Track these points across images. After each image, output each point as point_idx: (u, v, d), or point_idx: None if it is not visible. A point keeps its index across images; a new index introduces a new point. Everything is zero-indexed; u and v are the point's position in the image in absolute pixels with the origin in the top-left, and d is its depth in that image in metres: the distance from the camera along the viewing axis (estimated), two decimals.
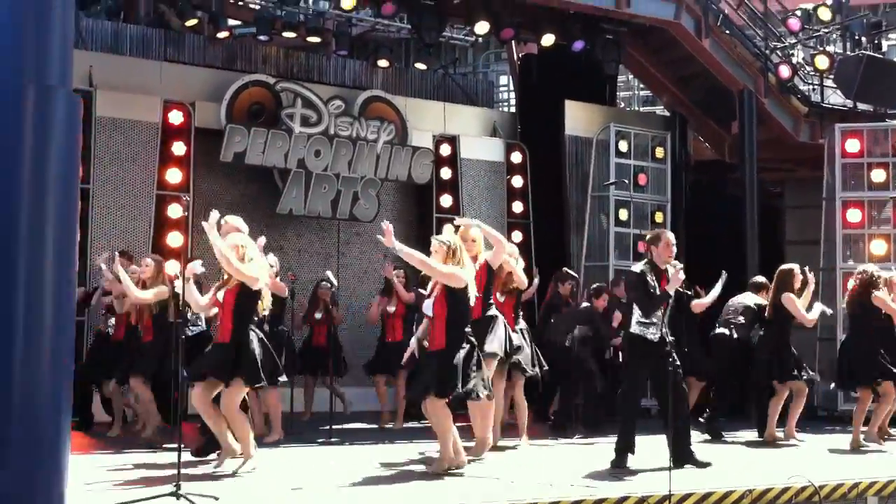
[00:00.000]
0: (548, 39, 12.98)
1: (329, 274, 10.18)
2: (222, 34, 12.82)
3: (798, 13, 13.66)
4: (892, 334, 9.41)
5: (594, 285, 10.90)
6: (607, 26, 12.83)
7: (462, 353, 6.84)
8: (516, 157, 13.53)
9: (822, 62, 13.32)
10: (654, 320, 7.39)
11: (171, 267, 8.97)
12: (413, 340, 8.21)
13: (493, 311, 7.91)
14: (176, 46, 12.99)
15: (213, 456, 7.32)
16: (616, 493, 6.22)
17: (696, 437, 8.55)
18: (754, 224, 12.74)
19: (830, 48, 13.96)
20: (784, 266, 9.55)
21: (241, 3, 14.44)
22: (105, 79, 11.30)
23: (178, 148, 11.37)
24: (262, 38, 12.91)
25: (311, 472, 7.14)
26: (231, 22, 13.05)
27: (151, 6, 13.46)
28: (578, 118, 13.57)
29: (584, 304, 10.61)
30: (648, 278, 7.39)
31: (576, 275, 11.14)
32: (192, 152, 11.46)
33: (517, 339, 8.23)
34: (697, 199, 13.86)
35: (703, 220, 13.62)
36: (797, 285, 9.33)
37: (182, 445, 6.24)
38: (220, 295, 7.07)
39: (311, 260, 12.49)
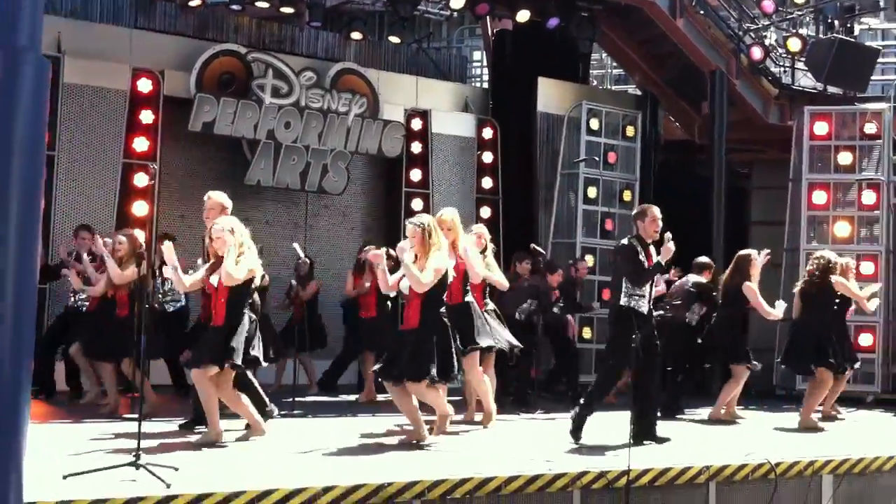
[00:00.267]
0: (522, 15, 12.94)
1: (296, 246, 10.16)
2: (194, 2, 12.63)
3: None
4: (843, 320, 9.55)
5: (547, 260, 10.98)
6: (582, 4, 12.81)
7: (437, 336, 7.01)
8: (487, 133, 13.52)
9: (794, 44, 13.39)
10: (643, 293, 7.49)
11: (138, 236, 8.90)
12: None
13: (469, 297, 7.99)
14: (146, 14, 12.84)
15: (202, 428, 7.35)
16: (575, 468, 6.28)
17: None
18: (721, 204, 12.85)
19: (803, 31, 14.01)
20: (742, 252, 9.61)
21: None
22: (73, 45, 11.16)
23: (146, 116, 11.26)
24: (234, 7, 12.80)
25: (272, 444, 7.16)
26: None
27: None
28: (550, 95, 13.58)
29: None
30: (640, 251, 7.46)
31: (542, 251, 11.16)
32: (161, 121, 11.36)
33: (493, 322, 8.38)
34: (666, 178, 13.92)
35: (670, 200, 13.49)
36: (755, 272, 9.41)
37: (143, 416, 6.22)
38: (214, 279, 7.09)
39: (279, 232, 12.45)
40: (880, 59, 13.93)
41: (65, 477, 5.44)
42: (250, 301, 7.21)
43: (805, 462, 7.07)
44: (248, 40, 12.94)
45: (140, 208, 11.06)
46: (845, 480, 7.17)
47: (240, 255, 6.99)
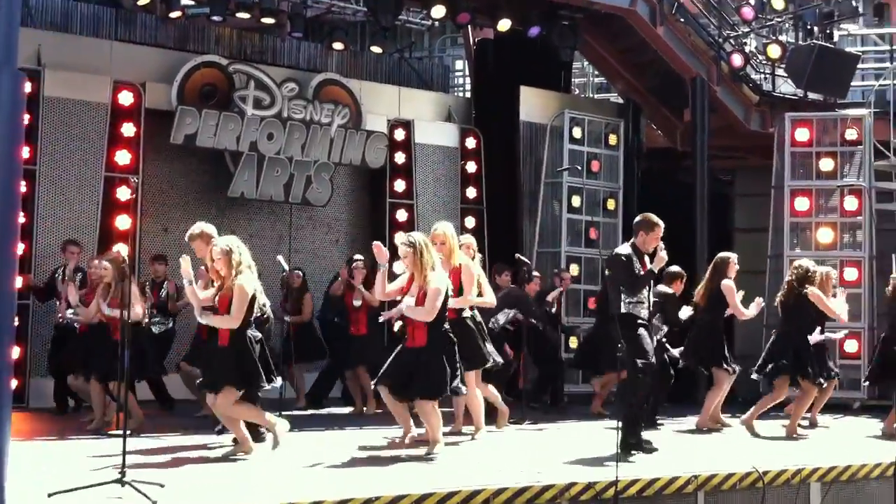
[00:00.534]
0: (504, 25, 12.96)
1: (280, 258, 10.12)
2: (175, 14, 12.61)
3: (752, 2, 13.76)
4: (822, 325, 9.57)
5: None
6: (563, 13, 12.84)
7: (445, 353, 7.16)
8: (471, 143, 13.52)
9: (774, 51, 13.45)
10: (642, 299, 7.54)
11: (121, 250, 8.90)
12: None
13: (465, 312, 8.02)
14: (127, 26, 12.80)
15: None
16: (563, 480, 6.27)
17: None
18: (704, 211, 12.89)
19: (783, 38, 14.08)
20: (721, 254, 9.62)
21: None
22: (54, 58, 11.10)
23: (128, 129, 11.19)
24: (215, 18, 12.73)
25: (259, 459, 7.11)
26: (184, 1, 12.80)
27: None
28: (533, 104, 13.59)
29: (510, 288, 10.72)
30: (634, 261, 7.49)
31: (528, 261, 11.14)
32: (142, 134, 11.29)
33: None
34: (649, 186, 13.95)
35: (654, 208, 13.59)
36: (732, 274, 9.43)
37: (127, 432, 6.18)
38: (217, 297, 7.11)
39: (263, 244, 12.37)
40: (860, 65, 14.00)
41: (50, 495, 5.40)
42: (253, 319, 7.22)
43: (793, 470, 7.08)
44: (229, 51, 12.91)
45: (123, 222, 10.98)
46: (833, 488, 7.19)
47: (238, 275, 7.00)
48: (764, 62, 14.00)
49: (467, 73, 16.29)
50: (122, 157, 11.13)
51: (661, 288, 9.80)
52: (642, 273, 7.51)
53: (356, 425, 9.52)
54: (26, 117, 10.01)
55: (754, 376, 9.64)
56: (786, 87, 13.93)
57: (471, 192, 13.42)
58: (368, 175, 13.11)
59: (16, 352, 9.84)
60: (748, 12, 13.66)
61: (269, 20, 13.42)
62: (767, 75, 13.99)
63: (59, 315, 9.62)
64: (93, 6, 12.81)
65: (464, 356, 7.56)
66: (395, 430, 8.84)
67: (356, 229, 13.25)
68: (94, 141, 11.13)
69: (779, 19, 14.30)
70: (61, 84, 11.00)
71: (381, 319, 8.64)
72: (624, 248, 7.68)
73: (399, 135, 13.06)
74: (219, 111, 11.64)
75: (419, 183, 13.13)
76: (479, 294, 8.32)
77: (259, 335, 7.27)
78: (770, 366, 9.31)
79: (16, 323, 9.57)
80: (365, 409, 10.53)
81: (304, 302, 10.96)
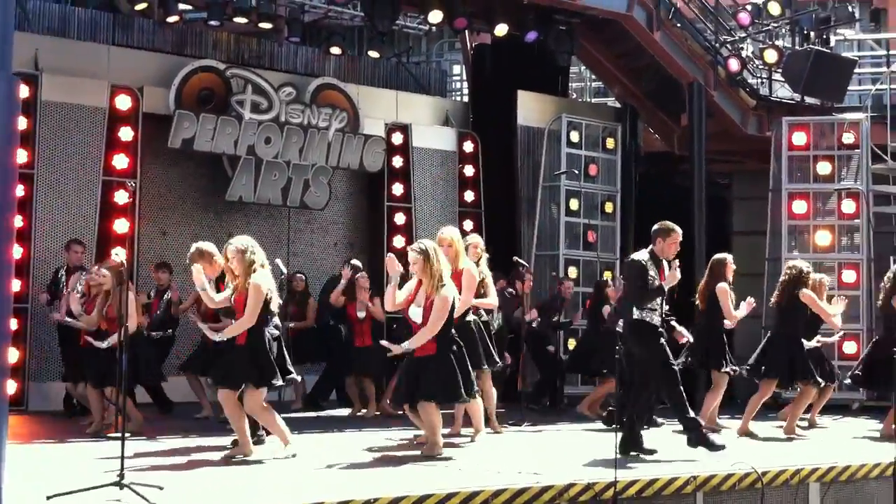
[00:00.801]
0: (501, 29, 12.97)
1: (278, 262, 10.09)
2: (172, 18, 12.64)
3: (748, 7, 13.80)
4: (815, 331, 9.58)
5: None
6: (560, 17, 12.85)
7: (456, 357, 7.25)
8: (468, 147, 13.53)
9: (770, 56, 13.49)
10: (654, 307, 7.54)
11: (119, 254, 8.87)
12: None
13: (469, 317, 8.05)
14: (124, 30, 12.79)
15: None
16: (562, 481, 6.26)
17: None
18: (702, 215, 12.90)
19: (779, 42, 14.11)
20: (717, 255, 9.60)
21: None
22: (51, 62, 11.10)
23: (126, 133, 11.20)
24: (212, 23, 12.74)
25: (257, 461, 7.10)
26: (181, 6, 12.84)
27: None
28: (531, 108, 13.61)
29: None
30: (650, 268, 7.46)
31: (525, 263, 11.13)
32: (140, 138, 11.30)
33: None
34: (647, 189, 13.97)
35: (651, 211, 13.68)
36: (729, 275, 9.44)
37: (126, 435, 6.17)
38: (233, 297, 7.14)
39: (261, 248, 12.38)
40: (856, 70, 14.04)
41: (49, 497, 5.38)
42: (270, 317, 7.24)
43: (792, 470, 7.08)
44: (226, 56, 12.91)
45: (121, 226, 10.99)
46: (832, 488, 7.19)
47: (253, 273, 7.03)
48: (761, 67, 14.04)
49: (465, 77, 16.31)
50: (120, 161, 11.14)
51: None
52: (654, 286, 7.49)
53: (355, 427, 9.52)
54: (24, 122, 10.18)
55: (745, 375, 9.65)
56: (783, 92, 13.97)
57: (469, 196, 13.43)
58: (366, 179, 13.12)
59: (15, 355, 9.91)
60: (745, 17, 13.70)
61: (266, 25, 13.42)
62: (764, 80, 14.03)
63: (58, 316, 9.60)
64: (90, 11, 12.80)
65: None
66: (394, 431, 8.85)
67: (354, 233, 13.25)
68: (91, 145, 11.13)
69: (775, 24, 14.34)
70: (59, 88, 11.01)
71: (383, 343, 8.28)
72: (641, 255, 7.63)
73: (397, 139, 13.07)
74: (216, 115, 11.65)
75: (417, 187, 13.13)
76: (484, 295, 8.37)
77: (277, 333, 7.28)
78: (762, 368, 9.33)
79: (14, 326, 9.68)
80: (364, 411, 10.52)
81: (308, 307, 10.98)
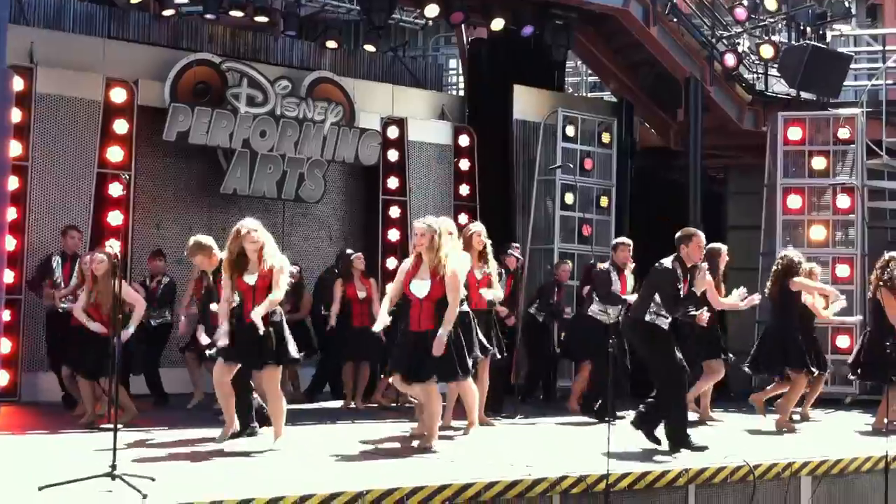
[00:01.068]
0: (497, 24, 12.96)
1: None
2: (168, 12, 12.59)
3: (745, 3, 13.77)
4: (810, 320, 9.60)
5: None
6: (557, 12, 12.85)
7: (454, 335, 7.27)
8: (464, 141, 13.53)
9: (767, 51, 13.47)
10: (667, 315, 7.58)
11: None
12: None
13: (465, 307, 8.07)
14: (120, 23, 12.77)
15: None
16: (554, 473, 6.27)
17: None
18: (697, 209, 12.89)
19: (776, 38, 14.11)
20: (711, 245, 9.58)
21: None
22: (47, 55, 11.09)
23: (121, 126, 11.19)
24: (208, 16, 12.72)
25: (250, 452, 7.11)
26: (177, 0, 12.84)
27: None
28: (526, 102, 13.60)
29: None
30: (679, 275, 7.51)
31: (520, 257, 11.09)
32: (135, 131, 11.29)
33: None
34: (642, 184, 13.97)
35: (647, 206, 13.75)
36: (722, 264, 9.46)
37: (119, 426, 6.17)
38: (251, 279, 7.16)
39: None
40: (852, 65, 14.03)
41: (41, 488, 5.40)
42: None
43: (783, 464, 7.10)
44: (222, 49, 12.89)
45: (115, 218, 10.98)
46: (824, 482, 7.21)
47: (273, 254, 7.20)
48: (757, 62, 14.03)
49: (461, 71, 16.30)
50: (115, 154, 11.13)
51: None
52: (684, 293, 7.53)
53: (348, 419, 9.53)
54: (19, 114, 10.17)
55: (746, 369, 9.68)
56: (779, 87, 13.95)
57: (464, 190, 13.43)
58: (362, 172, 13.11)
59: (8, 346, 9.92)
60: (741, 13, 13.68)
61: (262, 18, 13.39)
62: (760, 75, 14.01)
63: (56, 299, 9.57)
64: (86, 4, 12.77)
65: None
66: (388, 424, 8.87)
67: (349, 226, 13.26)
68: (86, 138, 11.12)
69: (772, 20, 14.32)
70: (54, 81, 11.00)
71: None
72: (668, 262, 7.64)
73: (392, 132, 13.06)
74: (212, 108, 11.64)
75: (412, 180, 13.13)
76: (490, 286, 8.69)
77: (282, 312, 7.38)
78: (763, 362, 9.37)
79: (7, 317, 9.67)
80: (353, 403, 10.54)
81: (303, 299, 11.00)
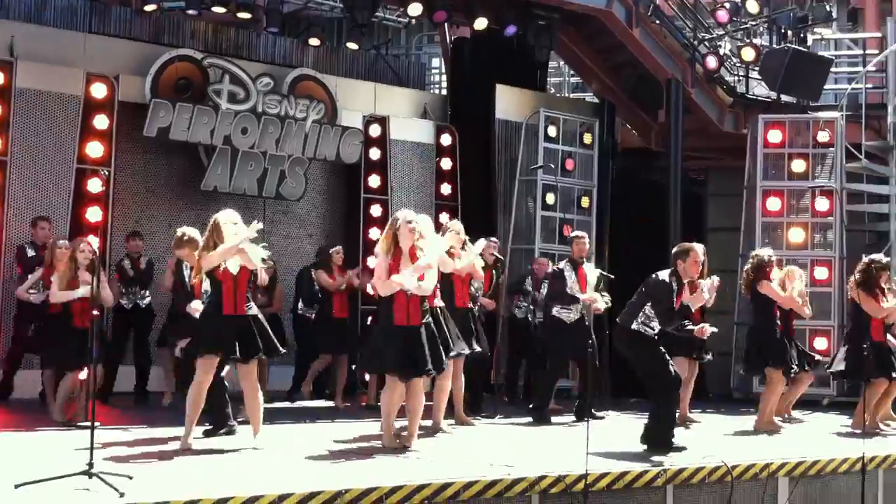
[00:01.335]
0: (480, 23, 12.97)
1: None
2: (150, 7, 12.55)
3: (727, 5, 13.85)
4: (790, 318, 9.67)
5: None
6: (539, 12, 12.88)
7: (437, 328, 7.35)
8: (446, 140, 13.53)
9: (748, 54, 13.55)
10: (656, 326, 7.60)
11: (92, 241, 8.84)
12: None
13: (439, 302, 8.08)
14: (101, 18, 12.71)
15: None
16: (533, 473, 6.28)
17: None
18: (677, 211, 12.97)
19: (757, 40, 14.18)
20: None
21: None
22: (27, 49, 11.02)
23: (101, 121, 11.11)
24: (190, 12, 12.66)
25: (229, 451, 7.09)
26: None
27: None
28: (509, 102, 13.62)
29: None
30: (674, 288, 7.54)
31: (501, 257, 11.10)
32: (115, 126, 11.22)
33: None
34: (623, 185, 14.02)
35: (627, 207, 13.81)
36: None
37: (96, 424, 6.13)
38: (234, 266, 7.11)
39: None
40: (833, 69, 14.13)
41: (17, 486, 5.35)
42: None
43: (761, 465, 7.13)
44: (204, 45, 12.85)
45: (94, 214, 10.91)
46: (801, 483, 7.25)
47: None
48: (738, 65, 14.11)
49: (443, 70, 16.30)
50: (95, 150, 11.05)
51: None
52: (679, 307, 7.57)
53: (328, 419, 9.51)
54: None
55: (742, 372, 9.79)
56: (759, 90, 14.04)
57: (445, 189, 13.43)
58: (343, 170, 13.09)
59: None
60: (723, 15, 13.76)
61: (244, 15, 13.36)
62: (741, 77, 14.10)
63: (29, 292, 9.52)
64: None
65: None
66: (368, 423, 8.85)
67: (330, 224, 13.23)
68: (66, 133, 11.05)
69: (753, 23, 14.39)
70: (34, 75, 10.92)
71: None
72: (664, 275, 7.65)
73: (374, 131, 13.04)
74: (193, 105, 11.58)
75: (394, 179, 13.12)
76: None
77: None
78: (745, 361, 9.51)
79: None
80: (334, 402, 10.55)
81: (275, 294, 10.97)
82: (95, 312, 6.40)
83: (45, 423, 8.39)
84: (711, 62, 13.42)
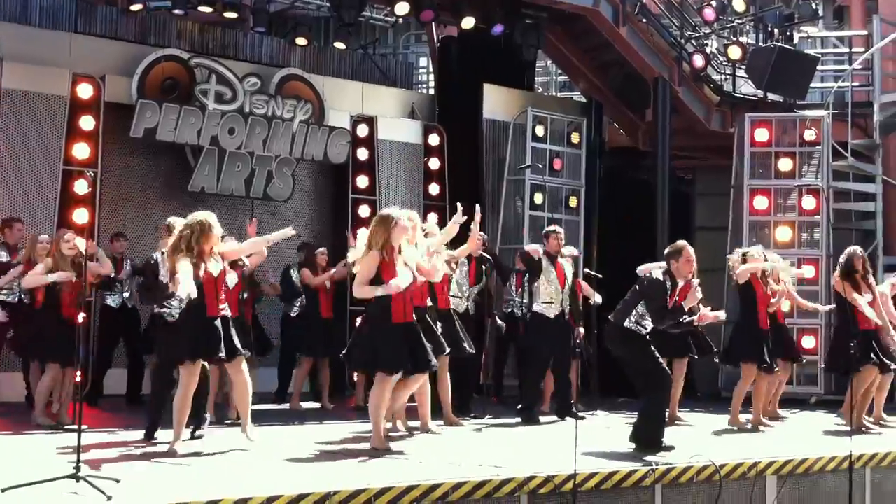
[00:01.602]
0: (468, 22, 12.97)
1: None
2: (136, 7, 12.54)
3: (713, 3, 13.88)
4: (775, 316, 9.73)
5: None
6: (527, 11, 12.89)
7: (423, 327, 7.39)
8: (434, 140, 13.51)
9: (734, 52, 13.59)
10: (648, 323, 7.61)
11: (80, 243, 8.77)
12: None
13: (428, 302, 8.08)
14: (87, 18, 12.67)
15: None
16: (522, 473, 6.28)
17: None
18: (665, 210, 12.99)
19: (744, 39, 14.22)
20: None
21: None
22: (12, 49, 10.95)
23: (87, 122, 11.04)
24: (177, 11, 12.64)
25: (217, 453, 7.07)
26: None
27: None
28: (496, 102, 13.62)
29: None
30: (668, 287, 7.54)
31: (489, 257, 11.07)
32: (102, 127, 11.16)
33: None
34: (611, 184, 14.04)
35: (615, 206, 13.82)
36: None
37: (83, 427, 6.10)
38: (215, 271, 7.10)
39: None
40: (819, 67, 14.17)
41: (4, 490, 5.32)
42: None
43: (749, 464, 7.14)
44: (191, 45, 12.82)
45: (80, 215, 10.83)
46: (789, 481, 7.27)
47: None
48: (725, 63, 14.15)
49: (431, 70, 16.29)
50: (81, 151, 10.98)
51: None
52: (673, 306, 7.58)
53: (316, 420, 9.49)
54: None
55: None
56: (746, 88, 14.08)
57: (433, 189, 13.41)
58: (331, 170, 13.07)
59: None
60: (710, 14, 13.78)
61: (231, 14, 13.38)
62: (728, 76, 14.13)
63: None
64: None
65: None
66: (356, 424, 8.84)
67: (318, 225, 13.20)
68: (52, 134, 10.98)
69: (740, 21, 14.44)
70: (20, 76, 10.86)
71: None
72: (658, 273, 7.66)
73: (362, 131, 13.02)
74: (179, 105, 11.54)
75: (382, 179, 13.09)
76: None
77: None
78: (725, 353, 9.61)
79: None
80: (321, 403, 10.55)
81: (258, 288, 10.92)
82: (82, 316, 6.35)
83: (32, 427, 8.34)
84: (698, 61, 13.45)
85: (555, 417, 9.81)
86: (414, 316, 7.29)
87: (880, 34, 13.71)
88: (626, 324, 7.58)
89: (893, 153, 13.97)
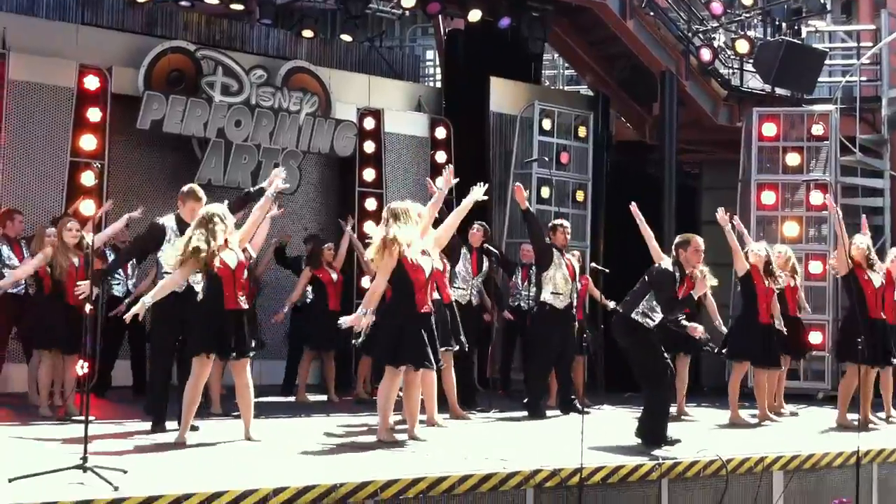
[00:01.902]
0: (474, 15, 12.94)
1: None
2: None
3: None
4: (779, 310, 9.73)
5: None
6: (534, 4, 12.86)
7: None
8: (440, 133, 13.49)
9: (742, 46, 13.55)
10: (654, 308, 7.60)
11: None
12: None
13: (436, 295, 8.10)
14: (93, 9, 12.66)
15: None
16: (528, 467, 6.27)
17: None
18: (672, 204, 12.95)
19: (751, 33, 14.18)
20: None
21: None
22: (19, 41, 10.97)
23: (94, 114, 11.06)
24: (183, 3, 12.62)
25: (223, 445, 7.07)
26: None
27: None
28: (503, 95, 13.59)
29: None
30: (676, 280, 7.56)
31: (495, 251, 11.07)
32: (108, 119, 11.16)
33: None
34: (618, 178, 13.99)
35: (622, 200, 13.73)
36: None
37: (91, 417, 6.11)
38: (232, 260, 7.12)
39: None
40: (827, 62, 14.13)
41: (10, 480, 5.33)
42: None
43: (756, 458, 7.13)
44: (197, 37, 12.80)
45: (87, 207, 10.84)
46: (796, 476, 7.25)
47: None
48: (732, 57, 14.11)
49: (437, 63, 16.26)
50: (88, 142, 10.99)
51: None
52: (680, 297, 7.60)
53: (322, 412, 9.50)
54: None
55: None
56: (754, 83, 14.04)
57: (440, 182, 13.35)
58: (337, 163, 13.06)
59: None
60: (717, 7, 13.75)
61: (238, 6, 13.31)
62: (736, 70, 14.10)
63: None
64: None
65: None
66: (362, 417, 8.84)
67: (324, 218, 13.20)
68: (59, 125, 11.00)
69: (747, 15, 14.40)
70: (27, 68, 10.87)
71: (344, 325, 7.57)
72: (667, 264, 7.70)
73: (369, 124, 13.00)
74: (186, 97, 11.54)
75: (388, 172, 13.08)
76: None
77: None
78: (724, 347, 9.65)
79: None
80: (328, 396, 10.54)
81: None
82: (89, 307, 6.35)
83: (39, 417, 8.36)
84: (706, 54, 13.42)
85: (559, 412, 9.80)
86: (432, 307, 7.34)
87: (888, 29, 13.67)
88: (633, 315, 7.58)
89: None
